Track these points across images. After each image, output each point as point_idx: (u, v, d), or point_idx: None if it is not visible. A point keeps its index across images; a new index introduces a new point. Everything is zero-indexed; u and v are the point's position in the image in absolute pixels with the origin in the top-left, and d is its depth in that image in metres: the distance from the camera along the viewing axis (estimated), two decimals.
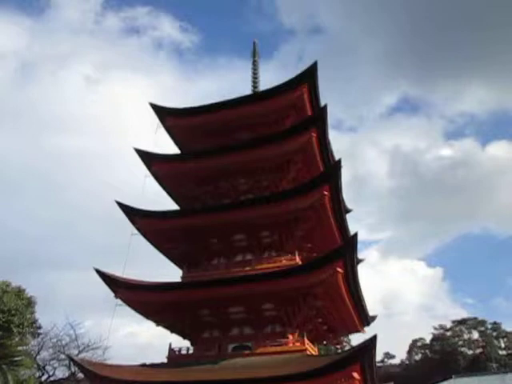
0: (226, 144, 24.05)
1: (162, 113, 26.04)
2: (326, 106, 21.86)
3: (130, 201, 23.10)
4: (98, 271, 21.87)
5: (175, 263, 24.83)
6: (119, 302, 21.70)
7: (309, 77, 23.71)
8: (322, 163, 22.97)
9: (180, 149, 27.27)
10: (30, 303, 32.89)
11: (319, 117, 21.94)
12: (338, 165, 20.43)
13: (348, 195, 32.30)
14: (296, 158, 22.46)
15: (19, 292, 32.39)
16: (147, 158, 24.45)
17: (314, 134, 21.61)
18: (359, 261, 24.91)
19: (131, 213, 23.09)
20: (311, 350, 20.70)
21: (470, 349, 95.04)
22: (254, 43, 30.76)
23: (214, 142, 24.92)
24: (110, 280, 21.64)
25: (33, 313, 33.34)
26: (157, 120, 26.20)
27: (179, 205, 26.17)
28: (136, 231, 23.26)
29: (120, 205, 23.22)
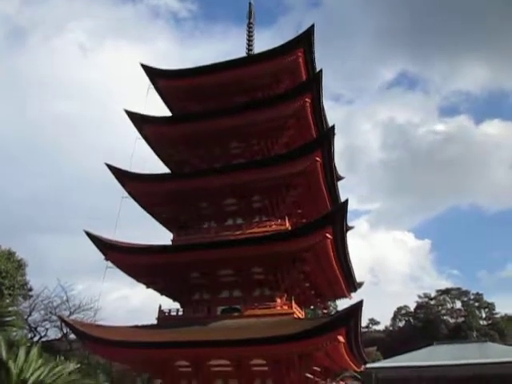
0: (218, 107, 23.69)
1: (153, 74, 25.44)
2: (321, 71, 21.47)
3: (121, 165, 22.92)
4: (88, 233, 21.84)
5: (166, 226, 24.86)
6: (110, 264, 21.81)
7: (305, 41, 23.18)
8: (315, 130, 22.78)
9: (172, 112, 26.84)
10: (20, 266, 33.00)
11: (314, 81, 21.59)
12: (331, 131, 20.26)
13: (340, 165, 32.36)
14: (289, 123, 22.19)
15: (9, 255, 32.42)
16: (138, 120, 24.04)
17: (308, 100, 21.30)
18: (349, 228, 25.14)
19: (121, 175, 22.88)
20: (298, 313, 21.09)
21: (452, 317, 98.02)
22: (250, 4, 29.90)
23: (207, 106, 24.54)
24: (99, 242, 21.65)
25: (23, 275, 33.49)
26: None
27: (170, 168, 25.97)
28: (127, 194, 23.19)
29: (110, 167, 22.98)
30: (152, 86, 25.71)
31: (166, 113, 26.70)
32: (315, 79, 21.67)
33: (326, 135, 20.36)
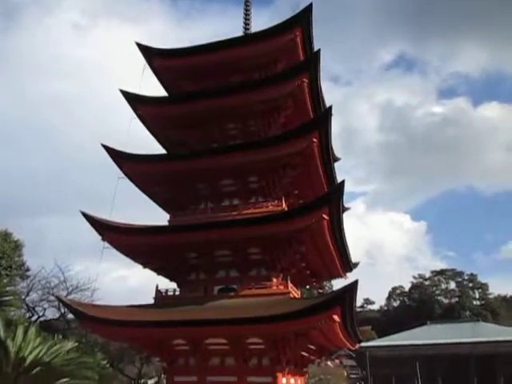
0: (214, 87, 23.47)
1: (148, 53, 25.08)
2: (319, 51, 21.21)
3: (118, 146, 22.77)
4: (84, 214, 21.83)
5: (162, 207, 24.87)
6: (106, 245, 21.86)
7: (303, 20, 22.84)
8: (312, 110, 22.63)
9: (168, 92, 26.54)
10: (17, 246, 33.10)
11: (311, 61, 21.34)
12: (328, 112, 20.09)
13: (337, 147, 32.28)
14: (286, 103, 22.02)
15: (6, 235, 32.47)
16: (133, 100, 23.78)
17: (305, 80, 21.09)
18: (345, 209, 25.20)
19: (117, 156, 22.74)
20: (294, 293, 21.31)
21: (446, 298, 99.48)
22: None
23: (203, 86, 24.28)
24: (96, 223, 21.65)
25: (20, 256, 33.63)
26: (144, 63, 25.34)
27: (167, 149, 25.85)
28: (123, 175, 23.11)
29: (106, 148, 22.84)
30: (148, 66, 25.43)
31: (162, 93, 26.48)
32: (313, 59, 21.43)
33: (324, 116, 20.25)
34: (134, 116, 23.99)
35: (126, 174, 23.03)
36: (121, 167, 22.80)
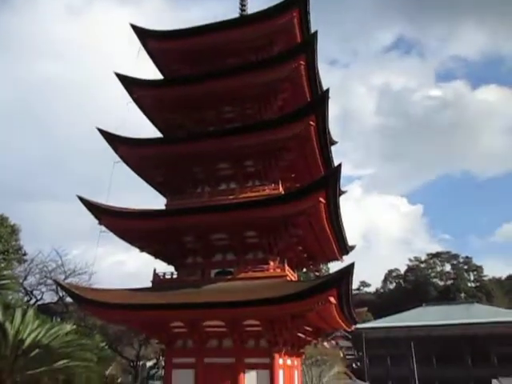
0: (210, 70, 23.22)
1: (143, 35, 24.75)
2: (316, 33, 20.95)
3: (113, 129, 22.59)
4: (80, 198, 21.76)
5: (159, 191, 24.81)
6: (103, 229, 21.88)
7: (300, 1, 22.54)
8: (309, 93, 22.46)
9: (163, 75, 26.26)
10: (13, 231, 33.11)
11: (308, 43, 21.09)
12: (325, 95, 19.94)
13: (334, 130, 32.11)
14: (283, 86, 21.84)
15: (2, 220, 32.43)
16: (129, 83, 23.54)
17: (302, 62, 20.88)
18: (342, 192, 25.26)
19: (113, 140, 22.59)
20: (291, 276, 21.46)
21: (441, 280, 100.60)
22: None
23: (199, 68, 24.02)
24: (92, 207, 21.61)
25: (17, 240, 33.67)
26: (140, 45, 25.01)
27: (163, 133, 25.68)
28: (119, 159, 23.01)
29: (101, 132, 22.68)
30: (143, 48, 25.12)
31: (158, 76, 26.19)
32: (310, 41, 21.17)
33: (321, 99, 20.09)
34: (130, 100, 23.81)
35: (121, 158, 22.94)
36: (116, 151, 22.70)
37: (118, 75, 23.70)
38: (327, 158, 21.94)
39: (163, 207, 22.82)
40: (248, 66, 22.09)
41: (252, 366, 19.13)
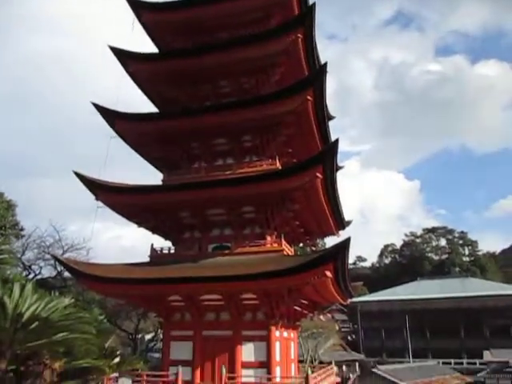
0: (206, 43, 22.82)
1: (137, 6, 24.16)
2: (314, 5, 20.52)
3: (109, 105, 22.32)
4: (77, 174, 21.69)
5: (156, 167, 24.75)
6: (100, 204, 21.86)
7: None
8: (307, 67, 22.17)
9: (159, 49, 25.82)
10: (10, 206, 32.96)
11: (306, 16, 20.69)
12: (323, 69, 19.68)
13: (332, 106, 31.87)
14: (280, 60, 21.53)
15: None
16: (123, 56, 23.13)
17: (300, 35, 20.55)
18: (339, 168, 25.22)
19: (109, 115, 22.37)
20: (288, 250, 21.64)
21: (436, 255, 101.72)
22: None
23: (195, 42, 23.63)
24: (89, 182, 21.56)
25: (14, 215, 33.55)
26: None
27: (159, 108, 25.43)
28: (115, 134, 22.81)
29: (97, 106, 22.42)
30: (137, 21, 24.58)
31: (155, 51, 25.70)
32: (308, 13, 20.77)
33: (318, 73, 19.85)
34: (125, 74, 23.46)
35: (117, 133, 22.75)
36: (112, 126, 22.49)
37: (113, 49, 23.28)
38: (324, 133, 21.81)
39: (160, 183, 22.80)
40: (245, 39, 21.71)
41: (249, 339, 19.48)
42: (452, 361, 54.48)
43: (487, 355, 51.94)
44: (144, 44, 25.21)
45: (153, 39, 25.64)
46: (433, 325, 64.35)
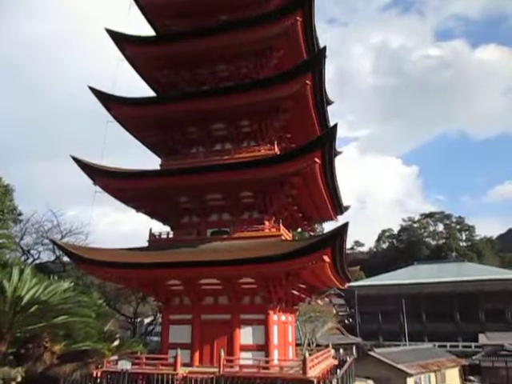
0: (205, 26, 22.52)
1: None
2: None
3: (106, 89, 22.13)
4: (74, 159, 21.61)
5: (154, 152, 24.63)
6: (98, 189, 21.85)
7: None
8: (306, 51, 21.98)
9: (156, 33, 25.49)
10: (7, 191, 32.87)
11: None
12: (322, 53, 19.48)
13: (331, 91, 31.62)
14: (279, 43, 21.30)
15: None
16: (120, 39, 22.91)
17: (299, 18, 20.31)
18: (337, 153, 25.17)
19: (106, 99, 22.22)
20: (286, 235, 21.71)
21: (433, 240, 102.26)
22: None
23: (192, 25, 23.27)
24: (87, 167, 21.50)
25: (11, 200, 33.49)
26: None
27: (156, 92, 25.22)
28: (112, 119, 22.67)
29: (94, 91, 22.23)
30: (134, 3, 24.23)
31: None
32: None
33: (317, 57, 19.66)
34: (122, 58, 23.22)
35: (115, 118, 22.63)
36: (109, 110, 22.33)
37: (109, 31, 23.01)
38: (323, 118, 21.68)
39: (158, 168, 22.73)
40: (243, 22, 21.44)
41: (247, 322, 19.68)
42: (447, 344, 55.14)
43: (482, 338, 52.61)
44: (142, 30, 24.87)
45: (150, 23, 25.33)
46: (429, 308, 64.98)
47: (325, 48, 19.47)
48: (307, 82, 19.16)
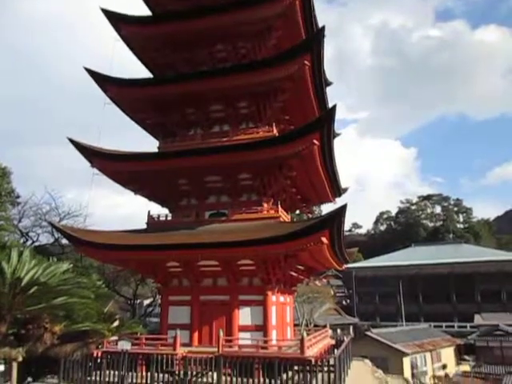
0: (201, 5, 22.14)
1: None
2: None
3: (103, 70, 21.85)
4: (72, 141, 21.46)
5: (152, 134, 24.46)
6: (96, 172, 21.78)
7: None
8: (304, 31, 21.65)
9: (152, 12, 25.03)
10: (5, 174, 32.77)
11: None
12: (321, 32, 19.23)
13: (330, 73, 31.31)
14: (277, 23, 20.97)
15: None
16: (116, 19, 22.51)
17: None
18: (336, 135, 25.06)
19: (102, 80, 21.94)
20: (284, 217, 21.75)
21: (431, 222, 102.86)
22: None
23: (189, 4, 22.87)
24: (84, 149, 21.38)
25: (9, 183, 33.40)
26: None
27: (153, 73, 24.91)
28: (109, 101, 22.45)
29: (90, 72, 21.95)
30: None
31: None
32: None
33: (316, 37, 19.41)
34: (118, 38, 22.89)
35: (112, 100, 22.40)
36: (106, 92, 22.10)
37: (105, 11, 22.62)
38: (322, 99, 21.52)
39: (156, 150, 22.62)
40: (241, 2, 21.07)
41: (246, 303, 19.86)
42: (443, 324, 55.94)
43: (478, 319, 53.37)
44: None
45: (145, 1, 24.86)
46: (426, 290, 65.74)
47: (323, 28, 19.21)
48: (306, 62, 18.95)
